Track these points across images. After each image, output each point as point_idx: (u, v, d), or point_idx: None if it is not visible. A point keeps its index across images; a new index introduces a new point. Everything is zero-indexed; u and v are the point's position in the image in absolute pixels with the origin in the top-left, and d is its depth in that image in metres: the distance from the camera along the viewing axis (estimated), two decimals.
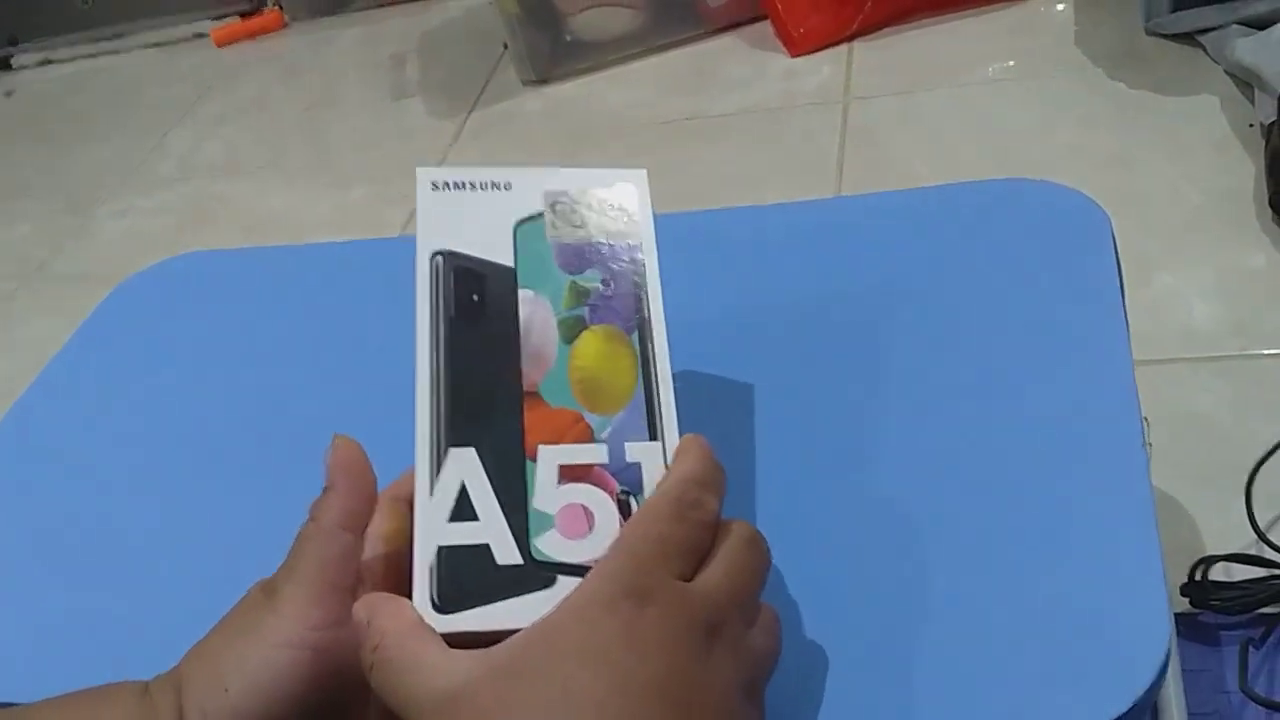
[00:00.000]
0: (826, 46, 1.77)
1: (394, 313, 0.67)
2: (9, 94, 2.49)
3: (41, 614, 0.57)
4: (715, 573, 0.39)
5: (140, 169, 2.03)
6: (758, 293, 0.63)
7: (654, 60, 1.88)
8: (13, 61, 2.58)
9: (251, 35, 2.40)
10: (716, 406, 0.57)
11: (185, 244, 1.46)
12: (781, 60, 1.78)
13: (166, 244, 1.74)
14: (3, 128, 2.38)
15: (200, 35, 2.46)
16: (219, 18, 2.46)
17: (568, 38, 1.90)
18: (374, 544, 0.42)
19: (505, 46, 1.96)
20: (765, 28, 1.84)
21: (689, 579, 0.39)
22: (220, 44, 2.40)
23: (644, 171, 0.49)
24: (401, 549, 0.42)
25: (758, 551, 0.41)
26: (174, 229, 1.84)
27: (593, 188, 0.48)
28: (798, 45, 1.77)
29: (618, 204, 0.47)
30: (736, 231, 0.69)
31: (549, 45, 1.90)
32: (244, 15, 2.44)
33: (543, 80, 1.90)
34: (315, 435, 0.51)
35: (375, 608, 0.39)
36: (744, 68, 1.79)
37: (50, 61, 2.56)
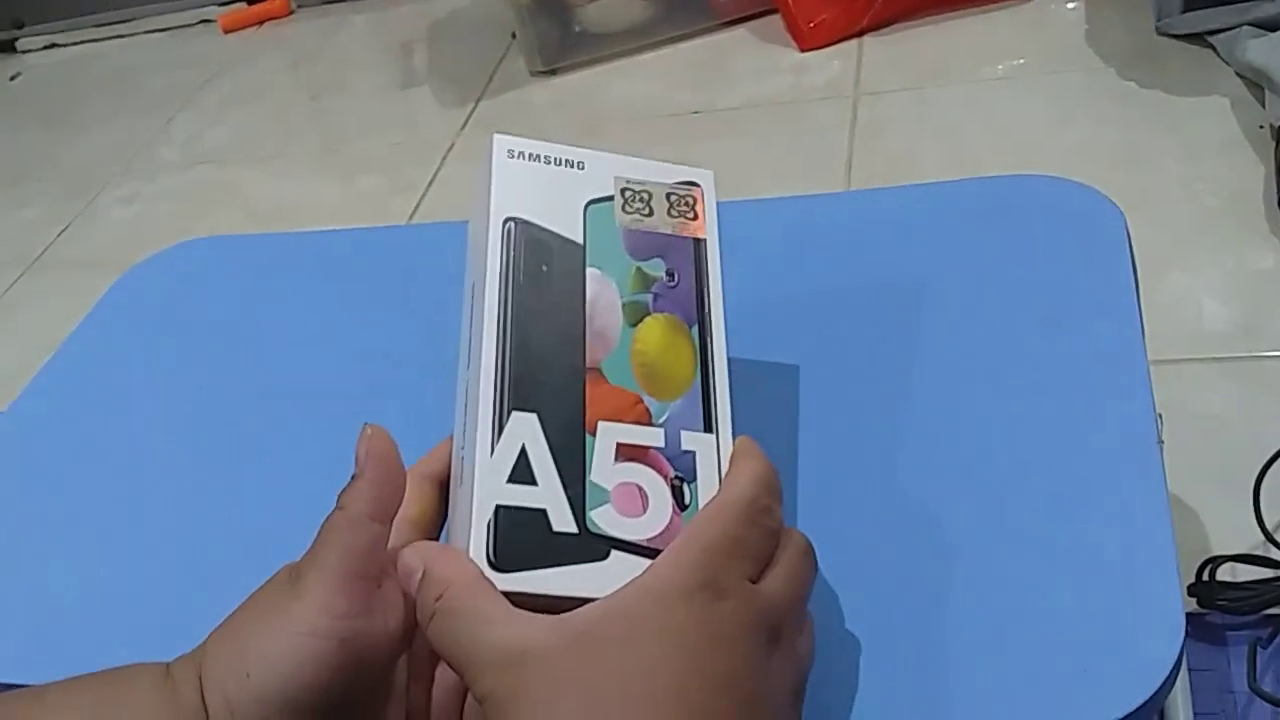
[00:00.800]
0: (837, 41, 1.76)
1: (403, 300, 0.67)
2: (14, 78, 2.49)
3: (59, 597, 0.57)
4: (779, 578, 0.40)
5: (146, 155, 2.03)
6: (766, 288, 0.63)
7: (663, 52, 1.88)
8: (18, 45, 2.58)
9: (258, 21, 2.40)
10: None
11: (191, 230, 1.46)
12: (791, 54, 1.78)
13: (172, 230, 1.74)
14: (8, 112, 2.38)
15: (207, 21, 2.46)
16: (226, 3, 2.45)
17: (576, 28, 1.89)
18: (401, 531, 0.43)
19: (514, 36, 1.96)
20: (775, 21, 1.83)
21: (755, 581, 0.39)
22: (227, 30, 2.40)
23: (711, 173, 0.50)
24: (429, 534, 0.42)
25: (811, 562, 0.42)
26: (180, 215, 1.84)
27: (662, 180, 0.49)
28: (808, 40, 1.77)
29: (685, 200, 0.48)
30: (745, 226, 0.68)
31: (558, 36, 1.90)
32: (251, 1, 2.43)
33: (551, 71, 1.90)
34: (324, 420, 0.51)
35: (433, 556, 0.39)
36: (754, 61, 1.79)
37: (56, 45, 2.56)
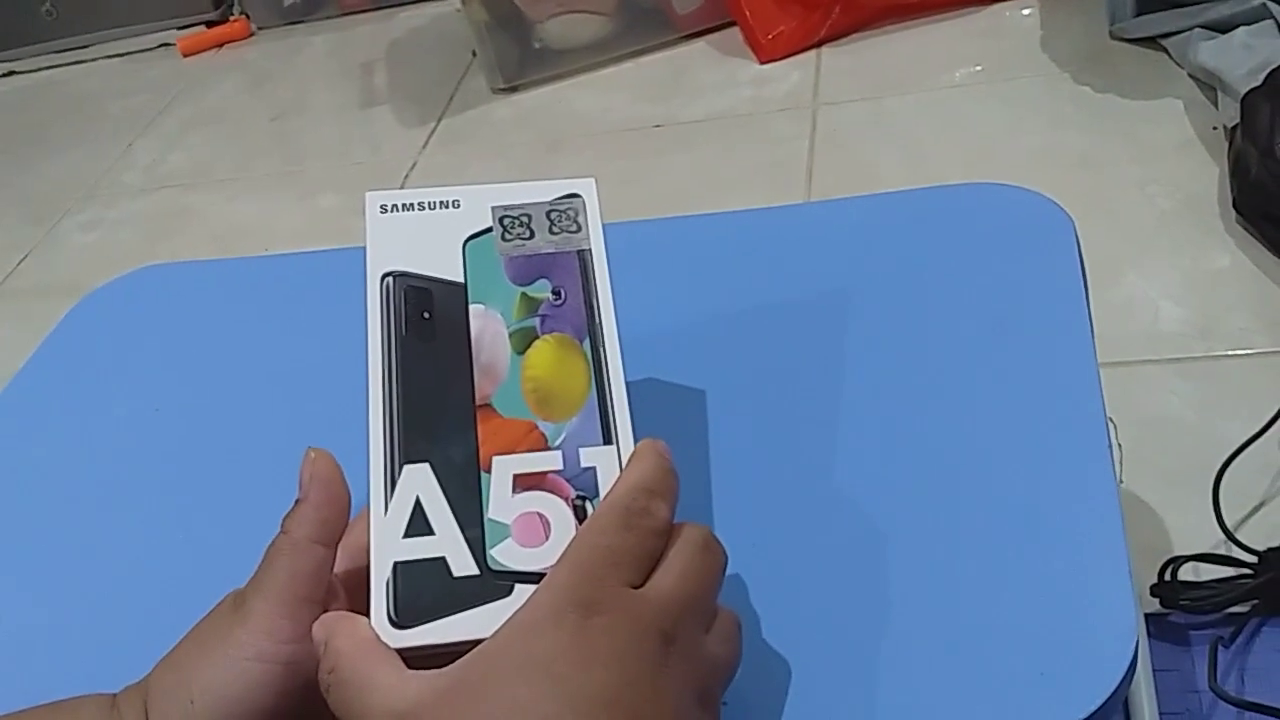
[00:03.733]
0: (795, 53, 1.77)
1: (362, 323, 0.66)
2: None
3: (7, 628, 0.56)
4: (667, 578, 0.39)
5: (106, 180, 2.02)
6: (726, 299, 0.63)
7: (623, 67, 1.88)
8: None
9: (218, 44, 2.39)
10: (680, 412, 0.57)
11: (153, 255, 1.46)
12: (751, 67, 1.79)
13: (133, 255, 1.73)
14: None
15: (166, 45, 2.44)
16: (185, 27, 2.44)
17: (537, 45, 1.90)
18: (346, 555, 0.42)
19: (474, 54, 1.96)
20: (734, 34, 1.84)
21: (640, 586, 0.38)
22: (186, 54, 2.38)
23: (592, 180, 0.49)
24: None
25: (712, 555, 0.40)
26: (141, 240, 1.83)
27: (540, 200, 0.48)
28: (766, 51, 1.78)
29: (566, 215, 0.48)
30: (705, 238, 0.69)
31: (518, 52, 1.90)
32: (210, 24, 2.43)
33: (512, 87, 1.90)
34: (284, 447, 0.51)
35: (332, 628, 0.39)
36: (714, 74, 1.80)
37: (14, 72, 2.54)
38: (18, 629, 0.56)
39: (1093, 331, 0.57)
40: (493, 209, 0.48)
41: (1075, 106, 1.51)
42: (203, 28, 2.43)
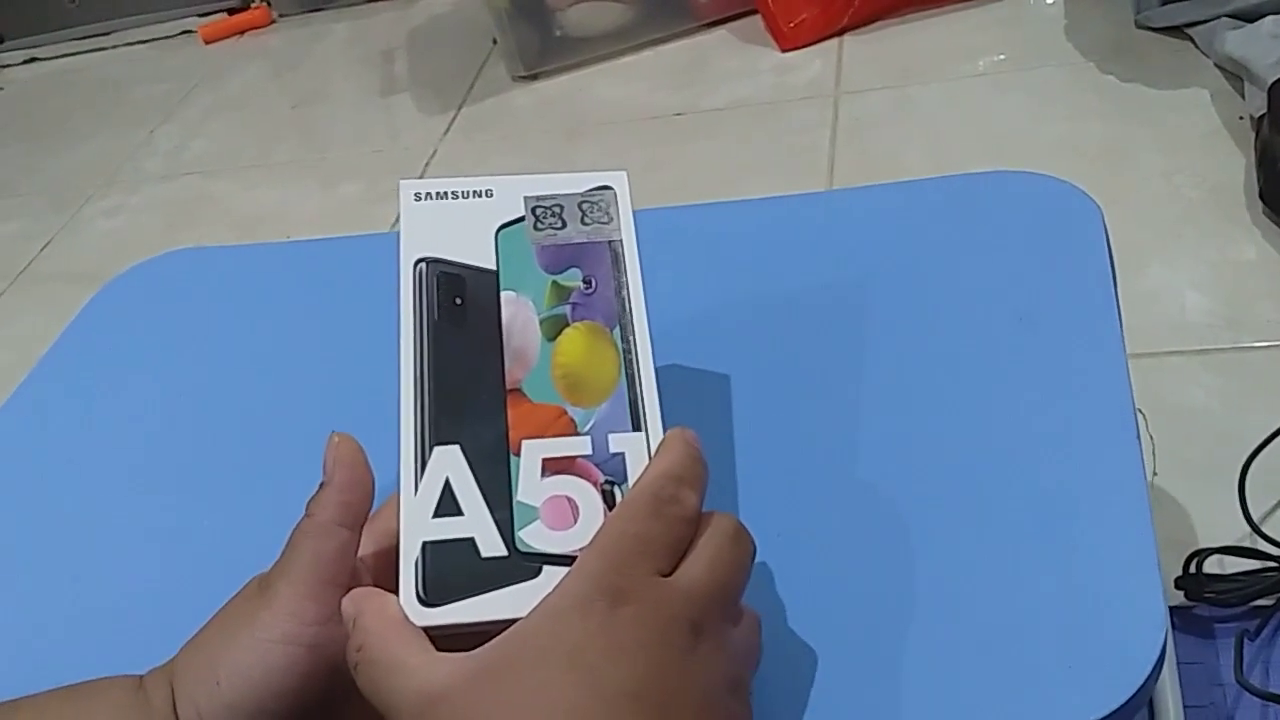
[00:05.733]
0: (817, 41, 1.76)
1: (385, 309, 0.67)
2: None
3: (35, 612, 0.56)
4: (696, 567, 0.39)
5: (128, 167, 2.02)
6: (750, 287, 0.63)
7: (644, 55, 1.88)
8: None
9: (239, 32, 2.39)
10: (704, 400, 0.57)
11: (174, 241, 1.46)
12: (772, 55, 1.78)
13: (155, 241, 1.73)
14: None
15: (187, 32, 2.45)
16: (206, 14, 2.45)
17: (557, 32, 1.89)
18: (373, 539, 0.43)
19: (494, 42, 1.96)
20: (756, 22, 1.84)
21: (669, 574, 0.38)
22: (208, 41, 2.39)
23: (624, 173, 0.50)
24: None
25: (741, 544, 0.40)
26: (162, 227, 1.83)
27: (573, 191, 0.49)
28: (788, 40, 1.77)
29: (598, 206, 0.48)
30: (728, 226, 0.69)
31: (538, 40, 1.89)
32: (231, 12, 2.43)
33: (532, 75, 1.90)
34: (307, 431, 0.51)
35: (361, 604, 0.39)
36: (735, 62, 1.79)
37: (36, 59, 2.55)
38: (44, 612, 0.56)
39: (1121, 322, 0.56)
40: (525, 199, 0.48)
41: (1100, 96, 1.49)
42: (224, 15, 2.43)
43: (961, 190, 0.66)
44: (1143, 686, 0.42)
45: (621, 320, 0.46)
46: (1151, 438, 0.97)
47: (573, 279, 0.46)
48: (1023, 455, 0.50)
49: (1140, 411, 0.52)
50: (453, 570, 0.39)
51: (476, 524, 0.40)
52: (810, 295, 0.61)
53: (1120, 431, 0.50)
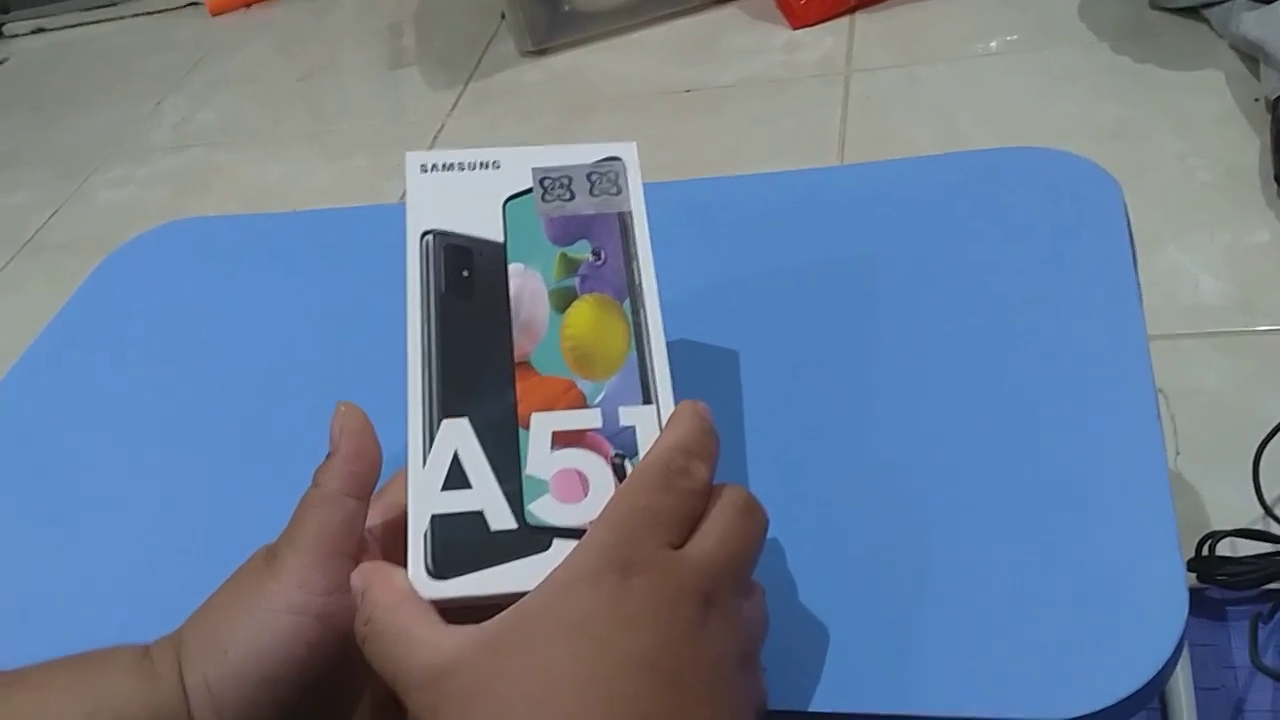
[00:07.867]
0: (828, 18, 1.75)
1: (392, 279, 0.66)
2: (2, 62, 2.47)
3: (40, 580, 0.56)
4: (707, 539, 0.38)
5: (135, 138, 2.02)
6: (760, 261, 0.62)
7: (654, 31, 1.87)
8: (5, 29, 2.56)
9: (247, 4, 2.38)
10: (716, 374, 0.56)
11: (180, 212, 1.45)
12: (783, 32, 1.77)
13: (161, 212, 1.73)
14: None
15: (194, 3, 2.44)
16: None
17: (566, 7, 1.88)
18: (381, 510, 0.43)
19: (503, 16, 1.94)
20: None
21: (680, 547, 0.38)
22: (215, 12, 2.38)
23: (633, 144, 0.49)
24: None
25: (753, 517, 0.40)
26: (169, 197, 1.83)
27: (581, 162, 0.48)
28: (799, 17, 1.76)
29: (606, 177, 0.48)
30: (738, 200, 0.68)
31: (547, 15, 1.88)
32: None
33: (541, 51, 1.89)
34: (314, 402, 0.51)
35: (370, 577, 0.39)
36: (745, 39, 1.78)
37: (43, 30, 2.54)
38: (50, 581, 0.56)
39: (1141, 299, 0.55)
40: (533, 170, 0.48)
41: (1113, 77, 1.48)
42: None
43: (978, 166, 0.65)
44: (1164, 667, 0.41)
45: (631, 292, 0.45)
46: (1173, 418, 0.96)
47: (582, 251, 0.46)
48: (1042, 434, 0.50)
49: (1160, 391, 0.51)
50: (461, 543, 0.39)
51: (485, 497, 0.40)
52: (824, 270, 0.61)
53: (1141, 412, 0.49)
